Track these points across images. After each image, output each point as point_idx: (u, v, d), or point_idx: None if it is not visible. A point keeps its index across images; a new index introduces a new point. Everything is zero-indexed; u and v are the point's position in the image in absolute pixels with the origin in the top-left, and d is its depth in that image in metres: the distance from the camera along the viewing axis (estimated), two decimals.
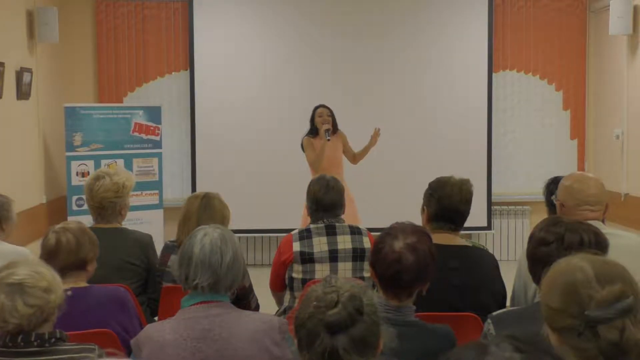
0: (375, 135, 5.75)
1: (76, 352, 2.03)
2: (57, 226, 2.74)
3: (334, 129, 5.70)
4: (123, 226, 3.49)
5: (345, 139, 5.83)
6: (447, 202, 2.90)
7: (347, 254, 3.29)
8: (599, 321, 1.46)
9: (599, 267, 1.54)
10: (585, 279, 1.52)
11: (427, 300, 2.30)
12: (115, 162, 6.48)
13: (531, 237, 2.28)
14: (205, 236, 2.21)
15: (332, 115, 5.68)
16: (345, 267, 3.27)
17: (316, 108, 5.73)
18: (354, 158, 5.88)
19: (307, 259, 3.27)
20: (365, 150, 5.82)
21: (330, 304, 1.64)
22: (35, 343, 1.99)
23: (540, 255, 2.19)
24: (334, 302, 1.64)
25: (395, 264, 2.15)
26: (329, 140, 5.53)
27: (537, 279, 2.22)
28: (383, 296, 2.19)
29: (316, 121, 5.66)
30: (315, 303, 1.66)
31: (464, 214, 2.93)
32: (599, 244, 2.15)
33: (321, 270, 3.25)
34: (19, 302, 1.97)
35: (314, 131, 5.68)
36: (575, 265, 1.56)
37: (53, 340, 2.01)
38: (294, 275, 3.30)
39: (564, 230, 2.18)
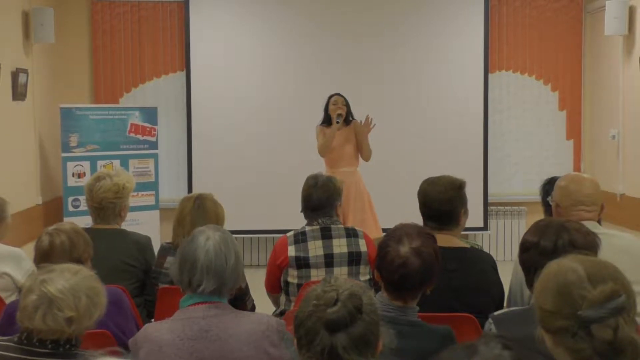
0: (367, 123, 5.48)
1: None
2: (51, 228, 2.72)
3: (348, 120, 5.51)
4: (122, 227, 3.48)
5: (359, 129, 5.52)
6: (428, 202, 2.92)
7: (343, 259, 3.25)
8: (592, 321, 1.47)
9: (591, 267, 1.55)
10: (577, 280, 1.53)
11: (425, 301, 2.30)
12: (112, 162, 6.47)
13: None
14: (208, 240, 2.20)
15: (346, 104, 5.51)
16: (341, 272, 3.22)
17: (331, 96, 5.56)
18: (361, 153, 5.59)
19: (302, 264, 3.24)
20: (361, 143, 5.51)
21: (330, 302, 1.64)
22: (49, 346, 1.97)
23: (523, 263, 2.25)
24: (334, 300, 1.64)
25: (401, 269, 2.17)
26: (338, 123, 5.38)
27: (528, 284, 2.25)
28: (387, 297, 2.20)
29: (330, 109, 5.48)
30: (314, 301, 1.66)
31: (448, 214, 2.91)
32: (574, 245, 2.14)
33: (317, 276, 3.21)
34: (39, 315, 1.94)
35: (327, 120, 5.51)
36: (567, 266, 1.58)
37: (67, 346, 1.99)
38: (290, 280, 3.27)
39: (538, 239, 2.20)
